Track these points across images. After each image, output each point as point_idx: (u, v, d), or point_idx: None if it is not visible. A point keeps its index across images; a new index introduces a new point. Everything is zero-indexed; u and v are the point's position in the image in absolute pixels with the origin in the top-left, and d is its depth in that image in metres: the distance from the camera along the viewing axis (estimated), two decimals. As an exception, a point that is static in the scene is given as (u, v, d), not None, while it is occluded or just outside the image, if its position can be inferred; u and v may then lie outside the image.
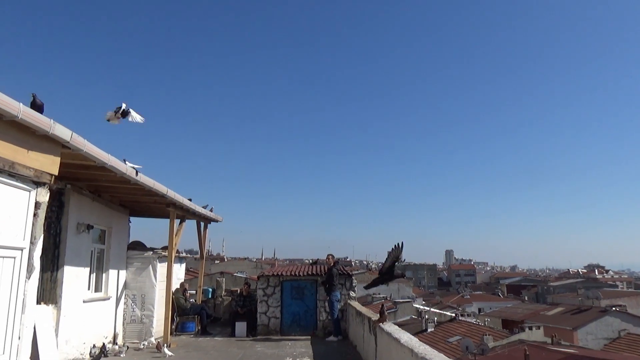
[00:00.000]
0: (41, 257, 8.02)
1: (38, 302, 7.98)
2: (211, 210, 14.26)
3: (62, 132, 5.45)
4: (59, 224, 8.55)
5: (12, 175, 5.07)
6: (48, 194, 5.73)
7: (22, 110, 4.71)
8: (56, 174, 5.73)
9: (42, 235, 5.67)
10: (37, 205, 5.54)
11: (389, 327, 6.64)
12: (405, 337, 5.57)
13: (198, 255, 16.42)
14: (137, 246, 12.27)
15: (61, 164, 7.24)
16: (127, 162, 7.66)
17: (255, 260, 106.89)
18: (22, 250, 5.35)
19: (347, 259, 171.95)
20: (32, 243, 5.47)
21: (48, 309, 8.17)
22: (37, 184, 5.53)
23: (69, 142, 5.59)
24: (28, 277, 5.40)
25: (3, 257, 5.08)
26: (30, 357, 7.62)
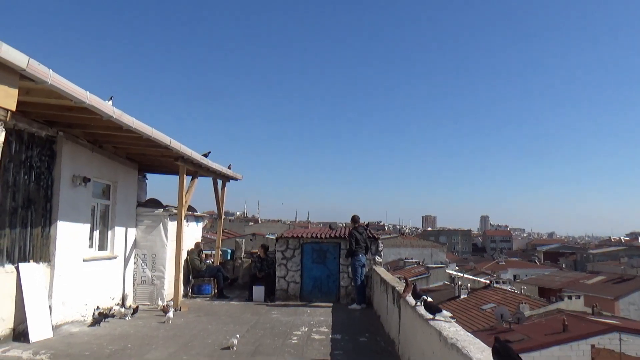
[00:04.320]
0: (30, 210, 7.37)
1: (27, 260, 7.28)
2: (229, 168, 13.35)
3: (15, 57, 4.44)
4: (50, 175, 7.74)
5: (-53, 107, 4.13)
6: (4, 132, 4.78)
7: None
8: (13, 109, 4.75)
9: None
10: (-10, 146, 4.61)
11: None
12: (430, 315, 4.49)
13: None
14: (150, 203, 11.53)
15: (40, 105, 6.39)
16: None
17: (289, 222, 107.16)
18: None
19: (380, 223, 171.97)
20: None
21: (39, 268, 7.44)
22: (-12, 120, 4.59)
23: (25, 70, 4.59)
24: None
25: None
26: (15, 320, 7.01)
